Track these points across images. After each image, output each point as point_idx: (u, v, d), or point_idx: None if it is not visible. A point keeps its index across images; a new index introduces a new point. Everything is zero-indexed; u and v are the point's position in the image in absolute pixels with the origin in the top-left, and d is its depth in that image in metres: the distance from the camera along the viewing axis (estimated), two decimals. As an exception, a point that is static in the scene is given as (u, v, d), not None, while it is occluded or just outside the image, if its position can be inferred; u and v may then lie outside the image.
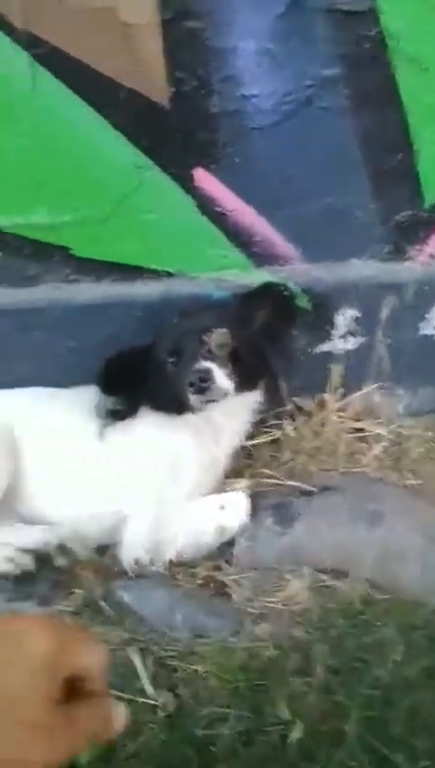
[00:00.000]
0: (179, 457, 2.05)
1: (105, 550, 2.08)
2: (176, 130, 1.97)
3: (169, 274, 2.18)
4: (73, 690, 0.67)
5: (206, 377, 1.85)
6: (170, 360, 1.98)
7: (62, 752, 0.63)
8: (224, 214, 2.11)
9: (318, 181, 2.09)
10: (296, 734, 1.69)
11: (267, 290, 2.15)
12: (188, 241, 2.14)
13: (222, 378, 1.90)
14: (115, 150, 1.96)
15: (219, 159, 2.02)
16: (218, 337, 1.97)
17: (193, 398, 1.89)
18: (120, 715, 0.71)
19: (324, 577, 2.04)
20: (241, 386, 1.98)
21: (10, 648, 0.63)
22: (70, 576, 2.01)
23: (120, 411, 2.01)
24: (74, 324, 2.18)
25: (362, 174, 2.11)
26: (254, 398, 2.15)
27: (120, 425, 2.01)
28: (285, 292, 2.17)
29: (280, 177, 2.07)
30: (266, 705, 1.76)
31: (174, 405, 2.01)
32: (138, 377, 2.02)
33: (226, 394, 1.91)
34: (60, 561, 1.94)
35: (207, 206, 2.09)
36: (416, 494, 2.22)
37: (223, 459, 2.14)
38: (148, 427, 2.03)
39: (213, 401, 1.91)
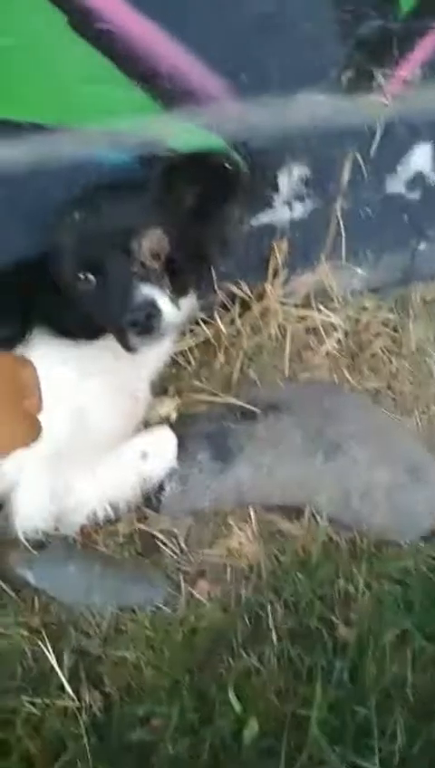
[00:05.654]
0: (89, 400, 1.53)
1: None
2: None
3: (39, 129, 1.50)
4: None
5: (152, 312, 1.31)
6: (82, 276, 1.38)
7: (18, 441, 0.95)
8: (111, 32, 1.40)
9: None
10: (251, 729, 1.41)
11: (200, 161, 1.53)
12: (61, 77, 1.44)
13: (169, 307, 1.35)
14: None
15: None
16: (151, 243, 1.37)
17: (135, 341, 1.35)
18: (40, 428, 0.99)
19: (274, 518, 1.68)
20: (178, 299, 1.44)
21: None
22: None
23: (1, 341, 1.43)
24: None
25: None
26: (187, 304, 1.61)
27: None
28: (227, 165, 1.53)
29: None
30: (214, 693, 1.45)
31: (81, 330, 1.47)
32: (30, 294, 1.43)
33: (174, 328, 1.40)
34: None
35: (84, 21, 1.37)
36: (379, 405, 1.82)
37: (145, 391, 1.64)
38: (44, 360, 1.46)
39: (158, 341, 1.39)
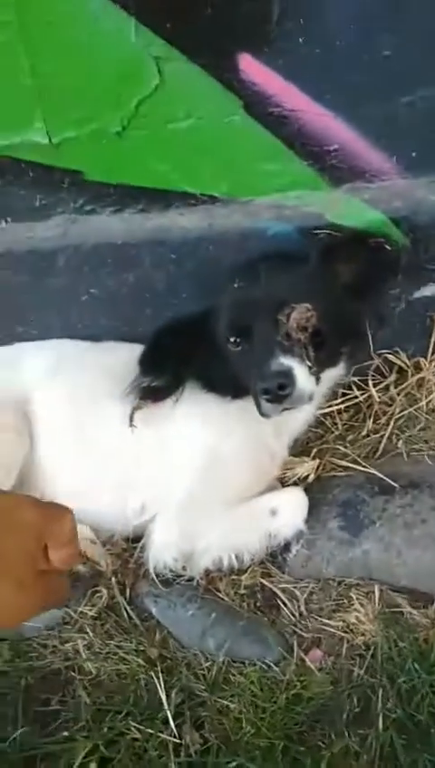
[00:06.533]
0: (227, 454, 1.64)
1: (139, 540, 1.76)
2: (206, 1, 1.34)
3: (212, 200, 1.64)
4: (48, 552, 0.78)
5: (285, 382, 1.38)
6: (232, 339, 1.52)
7: (31, 609, 0.76)
8: (284, 116, 1.50)
9: (424, 63, 1.41)
10: None
11: (361, 241, 1.59)
12: (236, 154, 1.57)
13: (305, 379, 1.41)
14: (122, 38, 1.39)
15: (274, 39, 1.40)
16: (299, 316, 1.45)
17: (266, 407, 1.44)
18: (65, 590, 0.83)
19: (400, 600, 1.62)
20: (321, 370, 1.51)
21: (5, 519, 0.75)
22: (94, 572, 1.74)
23: (158, 389, 1.59)
24: (94, 266, 1.73)
25: None
26: (334, 374, 1.67)
27: (157, 406, 1.60)
28: (387, 246, 1.57)
29: (365, 60, 1.41)
30: (308, 766, 1.44)
31: (229, 389, 1.60)
32: (187, 349, 1.59)
33: (308, 400, 1.44)
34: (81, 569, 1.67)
35: (259, 105, 1.49)
36: None
37: (282, 449, 1.71)
38: (191, 411, 1.62)
39: (290, 409, 1.46)
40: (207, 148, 1.56)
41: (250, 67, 1.43)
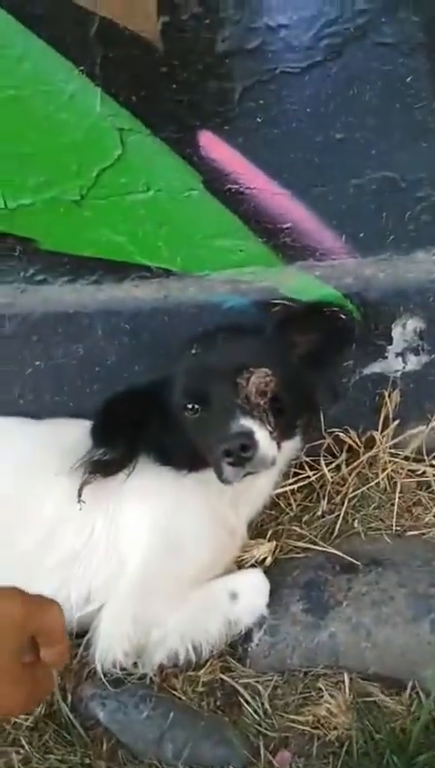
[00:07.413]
0: (184, 532, 1.54)
1: (84, 635, 1.58)
2: (171, 77, 1.41)
3: (167, 273, 1.64)
4: (36, 644, 0.78)
5: (247, 443, 1.32)
6: (189, 405, 1.45)
7: (23, 702, 0.76)
8: (241, 192, 1.55)
9: (374, 147, 1.51)
10: None
11: (317, 312, 1.61)
12: (192, 229, 1.60)
13: (267, 442, 1.35)
14: (87, 108, 1.42)
15: (234, 118, 1.47)
16: (259, 380, 1.42)
17: (228, 471, 1.36)
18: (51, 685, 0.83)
19: (371, 689, 1.51)
20: (281, 439, 1.46)
21: None
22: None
23: (109, 463, 1.49)
24: (44, 337, 1.67)
25: (435, 137, 1.51)
26: (291, 446, 1.63)
27: (107, 481, 1.49)
28: (342, 316, 1.60)
29: (320, 142, 1.50)
30: None
31: (185, 461, 1.52)
32: (141, 420, 1.51)
33: (271, 464, 1.38)
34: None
35: (217, 182, 1.54)
36: None
37: (242, 530, 1.62)
38: (144, 486, 1.53)
39: (252, 473, 1.39)
40: (165, 221, 1.58)
41: (210, 144, 1.49)
